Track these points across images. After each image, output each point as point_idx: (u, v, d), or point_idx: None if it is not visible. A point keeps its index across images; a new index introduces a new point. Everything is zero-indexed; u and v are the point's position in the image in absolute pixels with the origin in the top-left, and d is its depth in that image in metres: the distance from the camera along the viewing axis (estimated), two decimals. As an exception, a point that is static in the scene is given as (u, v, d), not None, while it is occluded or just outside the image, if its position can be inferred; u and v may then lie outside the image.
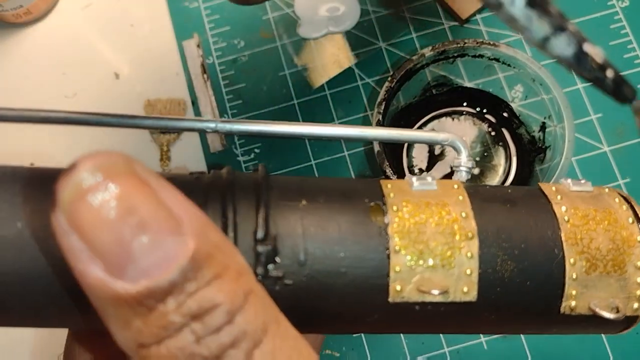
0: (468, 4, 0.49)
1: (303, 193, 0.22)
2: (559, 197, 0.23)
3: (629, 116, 0.47)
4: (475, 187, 0.24)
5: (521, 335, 0.44)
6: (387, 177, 0.42)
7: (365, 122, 0.48)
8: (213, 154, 0.48)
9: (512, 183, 0.45)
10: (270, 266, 0.20)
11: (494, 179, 0.45)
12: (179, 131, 0.24)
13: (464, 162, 0.26)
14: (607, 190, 0.24)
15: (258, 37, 0.51)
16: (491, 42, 0.42)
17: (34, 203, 0.19)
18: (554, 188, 0.24)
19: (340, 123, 0.48)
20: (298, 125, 0.25)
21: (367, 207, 0.22)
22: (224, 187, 0.21)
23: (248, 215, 0.21)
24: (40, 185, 0.19)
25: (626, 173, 0.46)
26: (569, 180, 0.24)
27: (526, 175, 0.44)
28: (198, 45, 0.50)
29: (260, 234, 0.20)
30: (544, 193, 0.24)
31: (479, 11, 0.50)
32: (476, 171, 0.45)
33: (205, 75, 0.50)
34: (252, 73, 0.50)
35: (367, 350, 0.44)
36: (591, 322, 0.23)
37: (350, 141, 0.25)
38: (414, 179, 0.23)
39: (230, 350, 0.16)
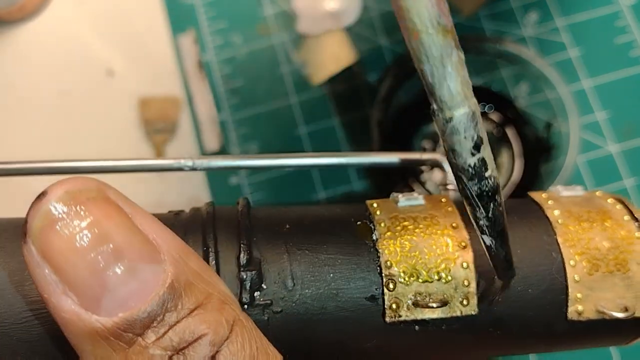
0: (470, 0, 0.48)
1: (287, 218, 0.21)
2: (550, 202, 0.23)
3: (635, 115, 0.46)
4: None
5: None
6: (388, 176, 0.41)
7: (366, 120, 0.47)
8: (209, 153, 0.47)
9: (516, 183, 0.44)
10: (257, 293, 0.19)
11: (498, 179, 0.45)
12: (154, 171, 0.24)
13: (450, 179, 0.24)
14: (598, 193, 0.24)
15: (256, 34, 0.50)
16: (495, 39, 0.42)
17: (10, 247, 0.18)
18: (544, 195, 0.23)
19: (340, 122, 0.47)
20: (279, 157, 0.24)
21: (354, 226, 0.21)
22: (204, 219, 0.20)
23: (230, 242, 0.20)
24: (17, 231, 0.18)
25: (632, 173, 0.45)
26: (559, 187, 0.24)
27: (531, 175, 0.44)
28: (194, 42, 0.50)
29: (243, 259, 0.19)
30: (534, 201, 0.23)
31: (482, 7, 0.49)
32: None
33: (201, 73, 0.49)
34: (249, 70, 0.49)
35: None
36: (601, 328, 0.22)
37: (329, 167, 0.25)
38: (400, 195, 0.22)
39: None
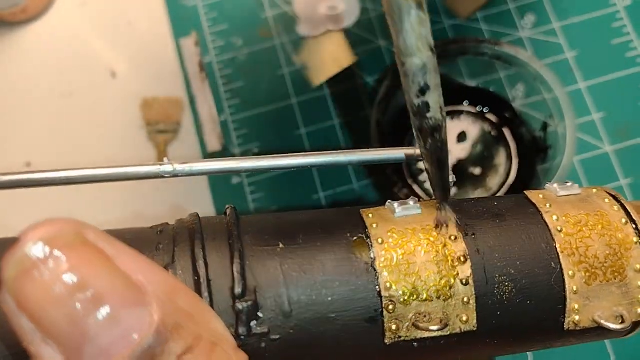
0: (468, 2, 0.49)
1: (280, 234, 0.20)
2: (548, 205, 0.22)
3: (631, 116, 0.47)
4: (460, 203, 0.23)
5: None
6: (387, 176, 0.41)
7: (365, 121, 0.47)
8: (211, 153, 0.48)
9: (513, 183, 0.44)
10: (253, 323, 0.19)
11: (495, 179, 0.45)
12: (131, 179, 0.21)
13: (452, 179, 0.24)
14: (595, 190, 0.23)
15: (257, 36, 0.50)
16: (492, 41, 0.42)
17: None
18: (541, 195, 0.23)
19: (340, 122, 0.48)
20: (271, 159, 0.23)
21: (350, 242, 0.21)
22: (192, 239, 0.19)
23: (222, 269, 0.19)
24: None
25: (628, 173, 0.45)
26: (555, 185, 0.23)
27: (528, 175, 0.44)
28: (196, 44, 0.50)
29: (238, 290, 0.19)
30: (531, 202, 0.23)
31: (480, 9, 0.49)
32: (477, 171, 0.45)
33: (203, 74, 0.49)
34: (250, 72, 0.49)
35: None
36: (596, 333, 0.22)
37: (328, 167, 0.23)
38: (396, 204, 0.22)
39: None
